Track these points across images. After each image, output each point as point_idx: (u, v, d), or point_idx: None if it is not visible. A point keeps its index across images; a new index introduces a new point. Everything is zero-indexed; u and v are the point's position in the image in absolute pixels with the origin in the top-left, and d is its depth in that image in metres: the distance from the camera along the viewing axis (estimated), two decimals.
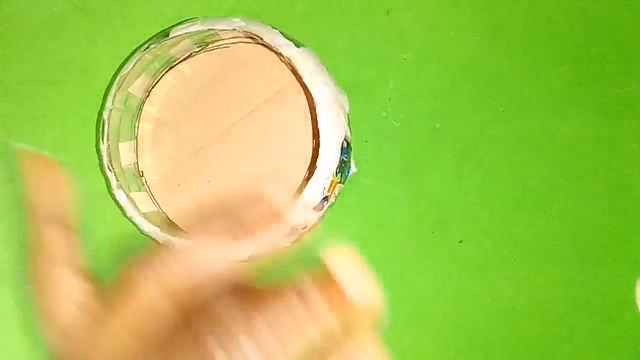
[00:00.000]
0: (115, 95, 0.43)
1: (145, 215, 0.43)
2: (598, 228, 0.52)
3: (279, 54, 0.42)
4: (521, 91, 0.52)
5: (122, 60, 0.48)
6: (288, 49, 0.41)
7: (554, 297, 0.51)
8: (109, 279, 0.49)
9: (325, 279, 0.24)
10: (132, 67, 0.43)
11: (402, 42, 0.51)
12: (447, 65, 0.51)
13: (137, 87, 0.46)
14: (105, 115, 0.43)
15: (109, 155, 0.43)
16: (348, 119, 0.43)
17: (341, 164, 0.42)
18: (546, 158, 0.51)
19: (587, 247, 0.51)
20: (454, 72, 0.51)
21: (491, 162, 0.51)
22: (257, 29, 0.42)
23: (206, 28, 0.42)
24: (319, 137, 0.41)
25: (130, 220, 0.43)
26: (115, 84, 0.43)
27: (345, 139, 0.42)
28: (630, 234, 0.51)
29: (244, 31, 0.42)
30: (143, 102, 0.48)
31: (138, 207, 0.43)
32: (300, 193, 0.41)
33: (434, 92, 0.51)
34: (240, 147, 0.48)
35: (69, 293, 0.27)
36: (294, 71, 0.42)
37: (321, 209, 0.42)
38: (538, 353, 0.51)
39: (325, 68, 0.43)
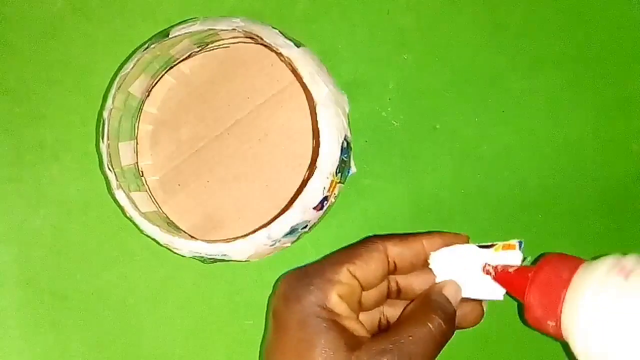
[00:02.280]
0: (115, 95, 0.43)
1: (145, 215, 0.43)
2: (598, 228, 0.52)
3: (279, 54, 0.42)
4: (521, 91, 0.52)
5: (122, 60, 0.48)
6: (288, 49, 0.41)
7: None
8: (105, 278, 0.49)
9: None
10: (132, 67, 0.43)
11: (402, 42, 0.51)
12: (447, 65, 0.51)
13: (137, 87, 0.46)
14: (105, 114, 0.43)
15: (109, 155, 0.43)
16: (348, 119, 0.43)
17: (341, 164, 0.42)
18: (546, 158, 0.51)
19: (587, 248, 0.51)
20: (454, 72, 0.51)
21: (491, 162, 0.51)
22: (257, 29, 0.42)
23: (206, 28, 0.42)
24: (319, 137, 0.40)
25: (130, 220, 0.43)
26: (115, 84, 0.43)
27: (345, 139, 0.42)
28: (631, 234, 0.51)
29: (244, 31, 0.42)
30: (143, 102, 0.48)
31: (138, 207, 0.43)
32: (300, 193, 0.41)
33: (434, 92, 0.51)
34: (240, 147, 0.48)
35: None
36: (294, 71, 0.42)
37: (321, 209, 0.42)
38: (538, 353, 0.51)
39: (325, 68, 0.43)
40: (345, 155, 0.42)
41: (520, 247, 0.39)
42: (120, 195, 0.43)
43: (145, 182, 0.48)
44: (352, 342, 0.34)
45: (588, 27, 0.52)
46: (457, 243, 0.40)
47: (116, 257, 0.50)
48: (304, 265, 0.40)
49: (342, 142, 0.41)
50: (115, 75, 0.45)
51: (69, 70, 0.50)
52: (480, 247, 0.39)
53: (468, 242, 0.41)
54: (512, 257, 0.39)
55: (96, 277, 0.50)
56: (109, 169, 0.43)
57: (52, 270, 0.50)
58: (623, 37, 0.52)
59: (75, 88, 0.50)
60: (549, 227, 0.51)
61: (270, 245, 0.42)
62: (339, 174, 0.42)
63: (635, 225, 0.52)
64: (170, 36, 0.43)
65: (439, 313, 0.36)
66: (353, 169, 0.45)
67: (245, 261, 0.43)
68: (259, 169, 0.48)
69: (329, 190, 0.41)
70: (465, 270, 0.39)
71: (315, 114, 0.41)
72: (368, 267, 0.37)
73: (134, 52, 0.45)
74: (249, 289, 0.50)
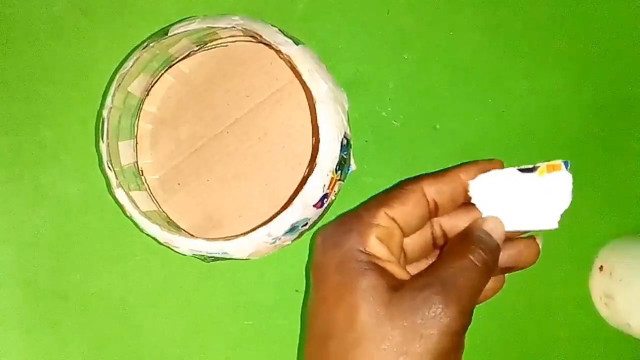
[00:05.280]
0: (114, 94, 0.43)
1: (144, 214, 0.42)
2: (598, 228, 0.52)
3: (278, 52, 0.42)
4: (521, 91, 0.52)
5: (122, 59, 0.48)
6: (287, 47, 0.41)
7: (554, 297, 0.51)
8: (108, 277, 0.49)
9: None
10: (131, 66, 0.43)
11: (402, 42, 0.51)
12: (447, 65, 0.52)
13: (136, 85, 0.46)
14: (104, 113, 0.43)
15: (109, 154, 0.43)
16: (347, 116, 0.43)
17: (341, 161, 0.42)
18: (546, 158, 0.51)
19: (587, 248, 0.51)
20: (454, 72, 0.51)
21: None
22: (256, 26, 0.42)
23: (205, 26, 0.42)
24: (318, 134, 0.40)
25: (130, 219, 0.43)
26: (114, 83, 0.43)
27: (344, 136, 0.42)
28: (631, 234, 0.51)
29: (243, 29, 0.42)
30: (142, 101, 0.48)
31: (138, 206, 0.43)
32: (300, 190, 0.41)
33: (434, 92, 0.51)
34: (239, 145, 0.48)
35: None
36: (293, 69, 0.42)
37: (321, 206, 0.42)
38: (537, 353, 0.51)
39: (324, 66, 0.43)
40: (345, 153, 0.42)
41: (567, 167, 0.35)
42: (120, 194, 0.42)
43: (145, 181, 0.48)
44: (394, 283, 0.33)
45: (588, 27, 0.52)
46: (494, 169, 0.37)
47: (116, 257, 0.50)
48: (339, 215, 0.39)
49: (342, 139, 0.41)
50: (115, 74, 0.45)
51: (69, 70, 0.51)
52: (522, 170, 0.36)
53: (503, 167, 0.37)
54: (560, 179, 0.35)
55: (96, 277, 0.50)
56: (109, 168, 0.43)
57: (52, 270, 0.50)
58: (623, 37, 0.52)
59: (75, 87, 0.51)
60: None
61: (271, 243, 0.42)
62: (339, 171, 0.42)
63: (637, 226, 0.52)
64: (169, 34, 0.43)
65: (479, 244, 0.35)
66: (353, 167, 0.45)
67: (246, 259, 0.43)
68: (259, 167, 0.48)
69: (329, 187, 0.41)
70: (511, 199, 0.36)
71: (315, 111, 0.41)
72: (405, 208, 0.36)
73: (132, 50, 0.45)
74: (249, 288, 0.50)
